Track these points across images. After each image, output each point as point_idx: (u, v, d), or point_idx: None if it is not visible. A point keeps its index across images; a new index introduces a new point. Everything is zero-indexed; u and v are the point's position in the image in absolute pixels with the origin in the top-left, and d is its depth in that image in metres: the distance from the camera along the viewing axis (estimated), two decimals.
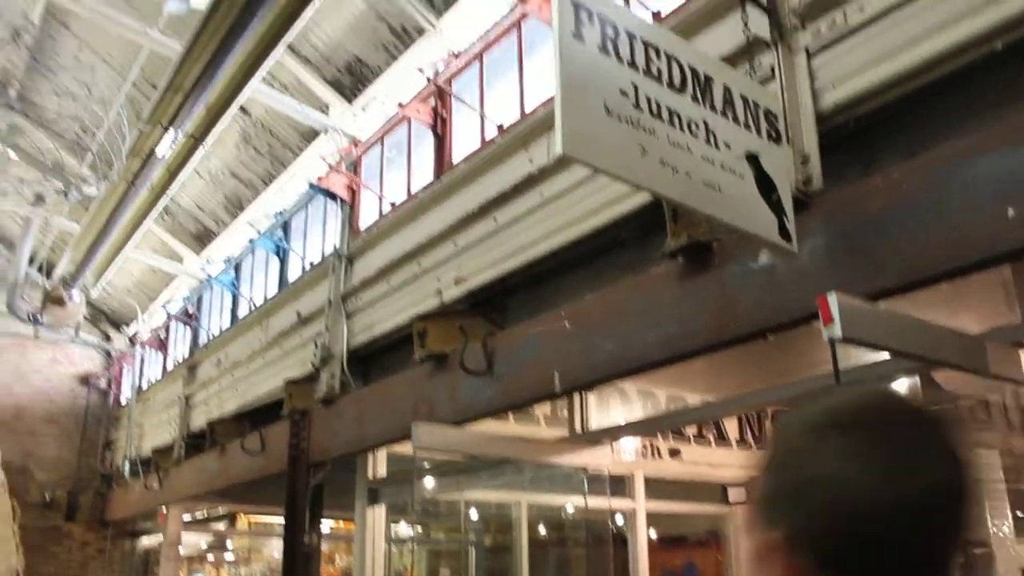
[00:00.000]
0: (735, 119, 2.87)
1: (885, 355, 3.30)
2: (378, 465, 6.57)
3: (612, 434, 4.80)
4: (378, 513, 6.50)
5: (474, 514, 8.04)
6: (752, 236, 2.80)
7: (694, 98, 2.78)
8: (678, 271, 3.62)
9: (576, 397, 5.06)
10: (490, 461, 5.08)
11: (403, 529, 9.40)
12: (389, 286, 5.95)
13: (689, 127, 2.72)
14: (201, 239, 10.53)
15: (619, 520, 8.78)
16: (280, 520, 12.02)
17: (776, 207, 2.81)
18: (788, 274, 3.01)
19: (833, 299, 2.36)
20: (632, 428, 4.97)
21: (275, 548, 14.26)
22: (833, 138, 3.12)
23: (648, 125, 2.61)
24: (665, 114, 2.67)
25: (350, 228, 6.87)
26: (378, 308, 6.06)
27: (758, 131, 2.92)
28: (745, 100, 2.93)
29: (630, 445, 5.03)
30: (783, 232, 2.81)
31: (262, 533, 13.55)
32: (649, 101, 2.64)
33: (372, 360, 6.40)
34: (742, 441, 8.37)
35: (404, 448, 6.10)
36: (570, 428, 4.87)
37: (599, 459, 4.69)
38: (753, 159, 2.83)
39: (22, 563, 11.88)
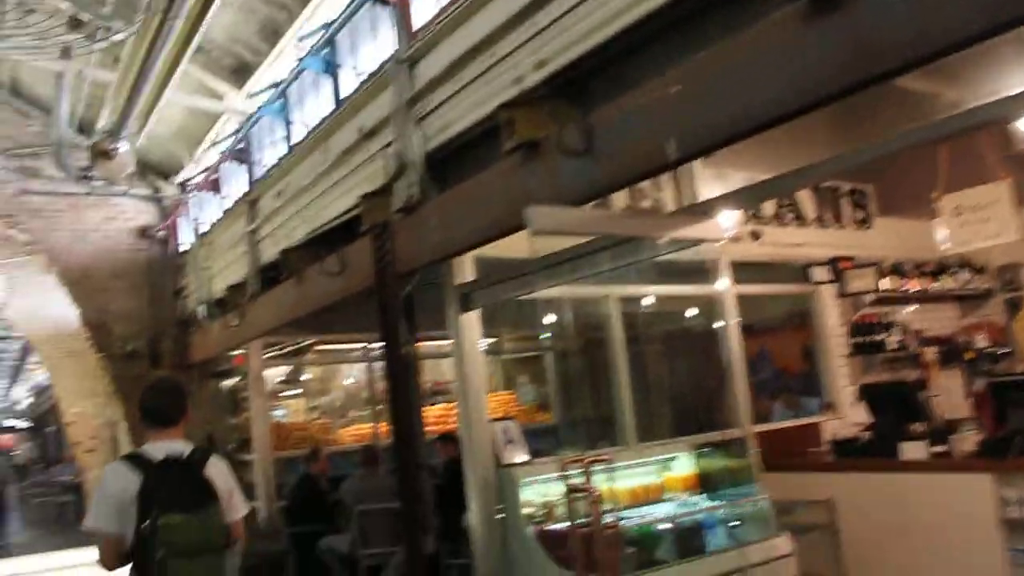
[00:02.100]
0: None
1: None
2: (466, 270, 6.59)
3: (722, 203, 4.66)
4: (473, 319, 6.57)
5: (554, 317, 8.10)
6: None
7: None
8: (801, 14, 3.36)
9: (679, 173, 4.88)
10: (608, 240, 4.84)
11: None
12: (460, 83, 5.69)
13: None
14: (239, 73, 10.21)
15: (693, 310, 8.88)
16: (355, 346, 12.42)
17: None
18: None
19: None
20: (741, 196, 4.80)
21: (349, 375, 14.86)
22: None
23: None
24: None
25: (405, 32, 6.53)
26: (451, 107, 5.83)
27: None
28: None
29: (729, 222, 4.91)
30: None
31: (336, 361, 14.06)
32: None
33: (446, 165, 6.25)
34: (819, 220, 8.28)
35: (489, 251, 6.08)
36: (677, 202, 4.73)
37: (713, 231, 4.56)
38: None
39: (120, 412, 12.49)
